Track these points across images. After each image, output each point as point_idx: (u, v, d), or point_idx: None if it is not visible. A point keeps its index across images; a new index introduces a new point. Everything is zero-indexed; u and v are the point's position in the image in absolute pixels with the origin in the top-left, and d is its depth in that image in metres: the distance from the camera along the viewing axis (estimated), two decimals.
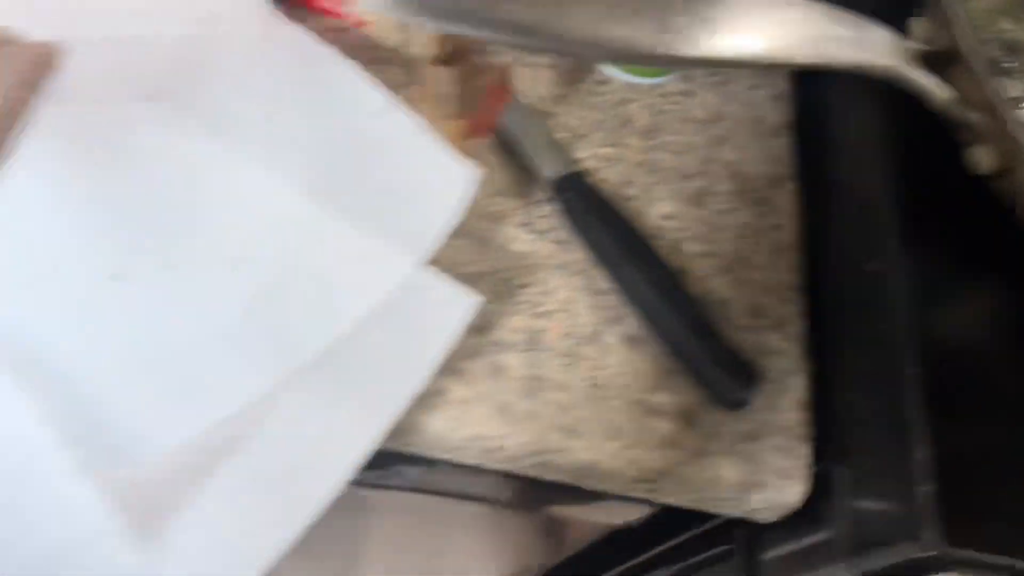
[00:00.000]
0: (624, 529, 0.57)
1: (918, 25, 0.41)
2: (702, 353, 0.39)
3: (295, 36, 0.40)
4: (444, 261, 0.40)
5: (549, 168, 0.43)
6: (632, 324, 0.41)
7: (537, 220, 0.43)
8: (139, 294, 0.34)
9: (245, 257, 0.35)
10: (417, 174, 0.35)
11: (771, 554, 0.44)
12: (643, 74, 0.49)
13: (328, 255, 0.35)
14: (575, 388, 0.39)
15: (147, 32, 0.41)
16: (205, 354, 0.32)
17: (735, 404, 0.39)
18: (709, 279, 0.43)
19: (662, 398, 0.40)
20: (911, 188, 0.41)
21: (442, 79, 0.32)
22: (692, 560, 0.52)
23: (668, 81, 0.49)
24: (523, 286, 0.41)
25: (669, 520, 0.55)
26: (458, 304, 0.35)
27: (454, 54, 0.31)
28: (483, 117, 0.37)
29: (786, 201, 0.47)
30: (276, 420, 0.31)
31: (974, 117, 0.37)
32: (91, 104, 0.39)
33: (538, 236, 0.42)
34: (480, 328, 0.39)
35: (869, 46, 0.36)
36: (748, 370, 0.39)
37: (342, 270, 0.35)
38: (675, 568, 0.53)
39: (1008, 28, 0.45)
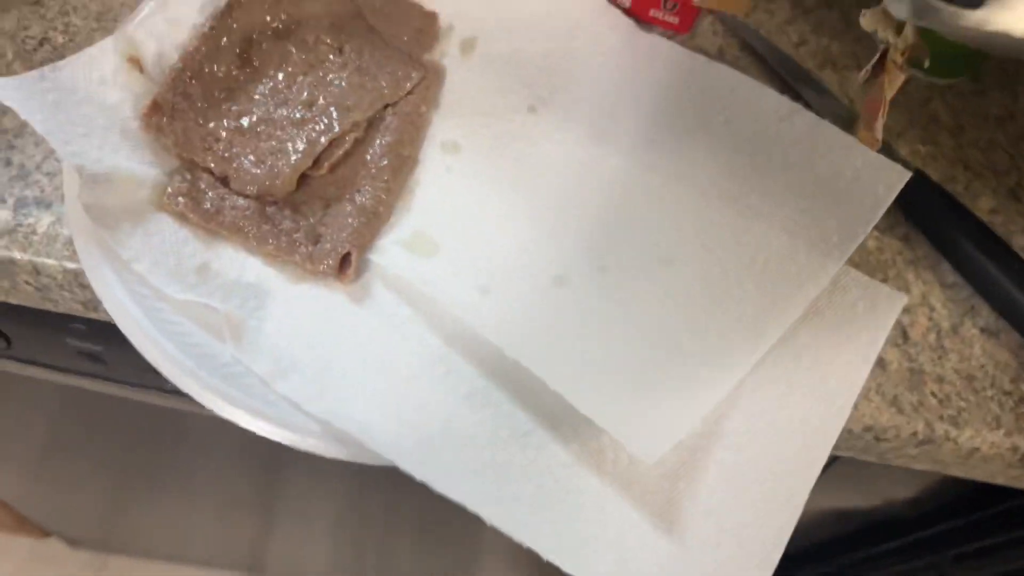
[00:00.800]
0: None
1: None
2: None
3: (663, 46, 0.42)
4: None
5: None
6: (986, 315, 0.42)
7: (881, 218, 0.44)
8: (583, 296, 0.36)
9: (673, 256, 0.37)
10: (837, 175, 0.37)
11: None
12: (940, 74, 0.50)
13: (754, 255, 0.37)
14: (950, 380, 0.41)
15: (511, 48, 0.42)
16: (666, 347, 0.34)
17: None
18: None
19: None
20: None
21: (897, 83, 0.33)
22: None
23: (960, 81, 0.51)
24: (882, 281, 0.42)
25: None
26: (884, 302, 0.36)
27: (908, 60, 0.33)
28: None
29: None
30: (745, 412, 0.33)
31: None
32: (480, 117, 0.41)
33: (883, 232, 0.44)
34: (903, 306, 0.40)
35: None
36: None
37: (770, 268, 0.36)
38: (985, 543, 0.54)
39: None
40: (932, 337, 0.42)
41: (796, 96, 0.47)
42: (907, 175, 0.36)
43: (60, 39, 0.40)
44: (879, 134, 0.35)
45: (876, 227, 0.44)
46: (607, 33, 0.43)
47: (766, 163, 0.38)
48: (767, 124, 0.38)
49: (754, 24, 0.50)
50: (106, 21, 0.41)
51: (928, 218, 0.44)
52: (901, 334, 0.41)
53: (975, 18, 0.28)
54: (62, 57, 0.38)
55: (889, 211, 0.45)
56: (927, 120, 0.49)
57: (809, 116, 0.38)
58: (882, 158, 0.36)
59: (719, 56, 0.48)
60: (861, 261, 0.43)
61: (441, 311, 0.35)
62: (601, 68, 0.42)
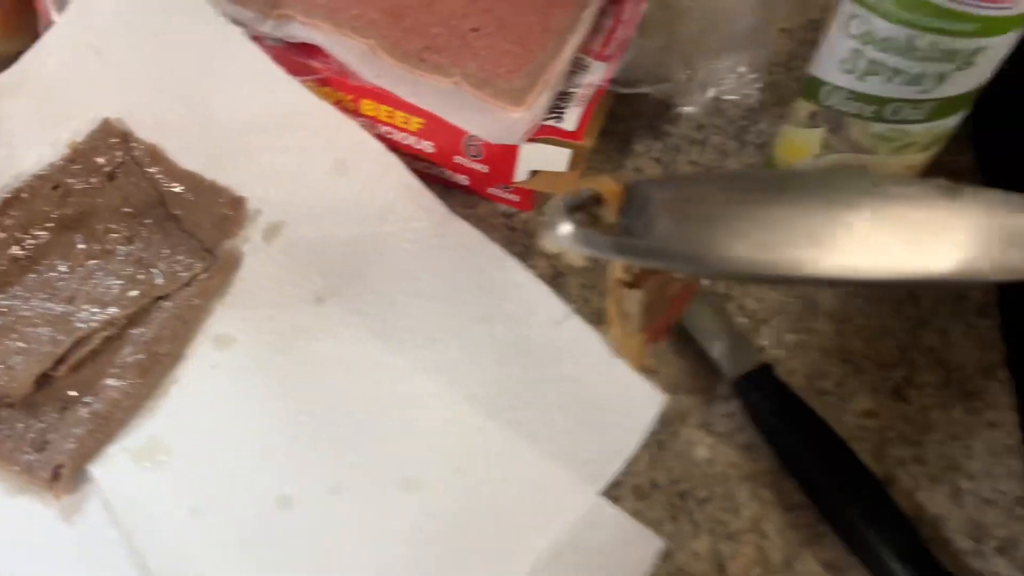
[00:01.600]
0: None
1: None
2: None
3: (469, 235, 0.39)
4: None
5: (730, 362, 0.40)
6: (833, 546, 0.36)
7: (719, 420, 0.39)
8: (305, 523, 0.32)
9: (419, 479, 0.33)
10: (599, 394, 0.33)
11: None
12: None
13: (508, 479, 0.33)
14: None
15: (318, 233, 0.41)
16: None
17: None
18: (919, 491, 0.38)
19: None
20: None
21: (632, 299, 0.30)
22: None
23: None
24: (705, 500, 0.37)
25: None
26: (637, 544, 0.31)
27: (642, 274, 0.29)
28: (664, 322, 0.35)
29: (1001, 393, 0.41)
30: None
31: None
32: (266, 308, 0.39)
33: (720, 440, 0.39)
34: (658, 552, 0.35)
35: None
36: None
37: (522, 498, 0.32)
38: None
39: None
40: (756, 573, 0.35)
41: None
42: (659, 399, 0.31)
43: None
44: (624, 351, 0.31)
45: (714, 433, 0.39)
46: (419, 216, 0.40)
47: (538, 373, 0.34)
48: (544, 330, 0.35)
49: None
50: None
51: (772, 426, 0.38)
52: (715, 569, 0.35)
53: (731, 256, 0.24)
54: None
55: (733, 415, 0.39)
56: (804, 304, 0.43)
57: (578, 324, 0.34)
58: (638, 379, 0.32)
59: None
60: (683, 475, 0.38)
61: (146, 535, 0.32)
62: (403, 256, 0.40)
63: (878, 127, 0.38)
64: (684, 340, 0.41)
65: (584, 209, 0.25)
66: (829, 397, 0.40)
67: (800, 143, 0.41)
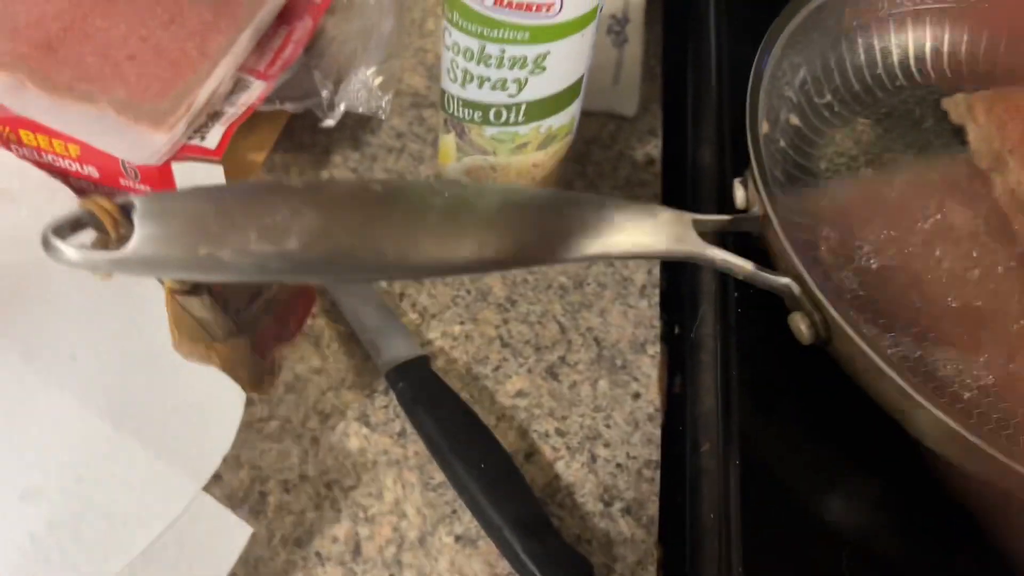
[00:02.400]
0: None
1: (738, 188, 0.39)
2: (531, 558, 0.36)
3: None
4: (266, 468, 0.39)
5: (387, 355, 0.42)
6: (467, 521, 0.39)
7: (375, 412, 0.42)
8: None
9: (40, 489, 0.35)
10: (195, 396, 0.36)
11: None
12: None
13: (122, 483, 0.35)
14: None
15: None
16: None
17: None
18: (558, 461, 0.41)
19: None
20: (749, 358, 0.39)
21: (194, 306, 0.32)
22: None
23: None
24: (350, 488, 0.39)
25: None
26: (231, 532, 0.34)
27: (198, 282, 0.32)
28: (283, 327, 0.37)
29: (649, 366, 0.44)
30: None
31: (784, 283, 0.35)
32: None
33: (374, 430, 0.41)
34: (298, 540, 0.38)
35: (660, 233, 0.35)
36: (582, 573, 0.36)
37: (132, 499, 0.34)
38: None
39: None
40: (391, 551, 0.38)
41: None
42: (242, 396, 0.34)
43: None
44: (214, 356, 0.34)
45: (369, 424, 0.42)
46: None
47: (160, 382, 0.37)
48: (167, 340, 0.37)
49: None
50: None
51: (417, 413, 0.41)
52: (352, 550, 0.38)
53: None
54: None
55: (388, 407, 0.42)
56: (476, 296, 0.46)
57: None
58: (224, 382, 0.34)
59: None
60: (334, 466, 0.40)
61: None
62: (59, 277, 0.41)
63: (490, 130, 0.41)
64: (352, 339, 0.44)
65: (85, 228, 0.28)
66: (487, 380, 0.43)
67: (446, 148, 0.44)
